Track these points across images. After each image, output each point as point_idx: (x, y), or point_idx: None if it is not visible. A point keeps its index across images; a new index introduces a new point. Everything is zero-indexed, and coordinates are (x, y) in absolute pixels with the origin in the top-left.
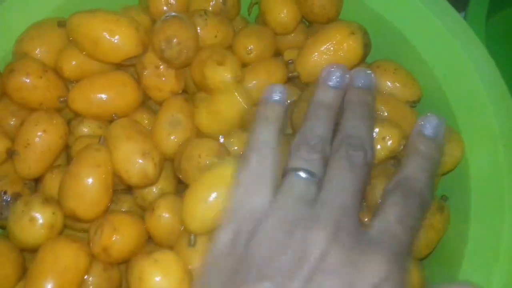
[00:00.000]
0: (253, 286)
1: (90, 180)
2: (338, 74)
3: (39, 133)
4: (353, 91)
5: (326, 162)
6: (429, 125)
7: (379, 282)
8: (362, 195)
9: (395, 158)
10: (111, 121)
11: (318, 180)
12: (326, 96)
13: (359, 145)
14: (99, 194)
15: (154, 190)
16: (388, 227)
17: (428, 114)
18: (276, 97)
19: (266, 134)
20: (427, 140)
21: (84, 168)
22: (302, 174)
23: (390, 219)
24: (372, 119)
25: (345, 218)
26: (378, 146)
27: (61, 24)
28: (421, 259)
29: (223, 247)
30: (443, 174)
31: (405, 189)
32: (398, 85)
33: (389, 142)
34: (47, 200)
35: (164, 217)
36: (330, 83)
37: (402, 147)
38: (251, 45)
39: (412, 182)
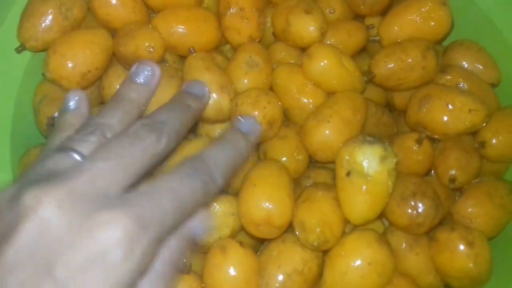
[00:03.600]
0: None
1: None
2: (146, 71)
3: None
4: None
5: None
6: (245, 122)
7: (111, 236)
8: (143, 168)
9: (480, 142)
10: (184, 57)
11: None
12: (129, 90)
13: (155, 128)
14: None
15: (218, 131)
16: (151, 191)
17: (251, 117)
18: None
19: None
20: (239, 133)
21: None
22: (71, 153)
23: (160, 185)
24: (186, 116)
25: (101, 184)
26: (462, 117)
27: None
28: (492, 238)
29: None
30: None
31: (193, 165)
32: (479, 66)
33: (474, 116)
34: None
35: None
36: (137, 79)
37: (484, 124)
38: (334, 6)
39: (203, 162)
